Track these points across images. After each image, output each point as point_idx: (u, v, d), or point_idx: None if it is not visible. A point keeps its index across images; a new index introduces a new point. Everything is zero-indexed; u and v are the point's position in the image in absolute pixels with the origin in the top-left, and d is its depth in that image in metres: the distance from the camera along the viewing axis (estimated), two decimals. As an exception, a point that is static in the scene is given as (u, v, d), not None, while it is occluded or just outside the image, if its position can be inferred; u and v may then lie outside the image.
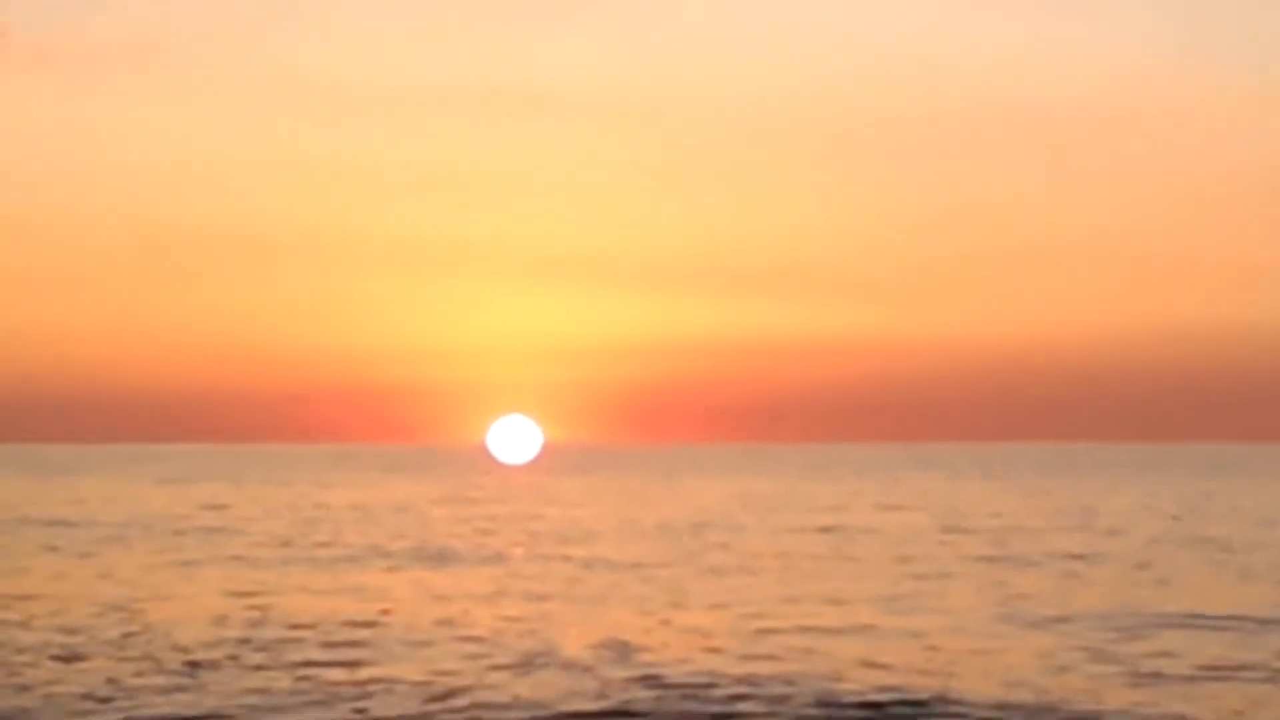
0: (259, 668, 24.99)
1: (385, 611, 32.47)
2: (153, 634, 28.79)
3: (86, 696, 22.54)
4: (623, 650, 26.72)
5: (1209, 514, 72.18)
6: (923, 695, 22.51)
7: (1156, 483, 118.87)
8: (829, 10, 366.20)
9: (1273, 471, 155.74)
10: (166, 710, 21.60)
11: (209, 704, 21.99)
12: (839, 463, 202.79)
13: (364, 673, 24.52)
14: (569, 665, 25.15)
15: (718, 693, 22.77)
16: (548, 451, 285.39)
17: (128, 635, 28.64)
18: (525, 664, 25.35)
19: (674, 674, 24.22)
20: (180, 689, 23.09)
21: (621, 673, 24.41)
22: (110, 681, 23.68)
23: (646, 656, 26.07)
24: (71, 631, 29.14)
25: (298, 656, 26.06)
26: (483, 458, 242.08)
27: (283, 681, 23.71)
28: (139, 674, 24.36)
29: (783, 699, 22.37)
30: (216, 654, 26.29)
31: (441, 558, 46.93)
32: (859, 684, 23.50)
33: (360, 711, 21.57)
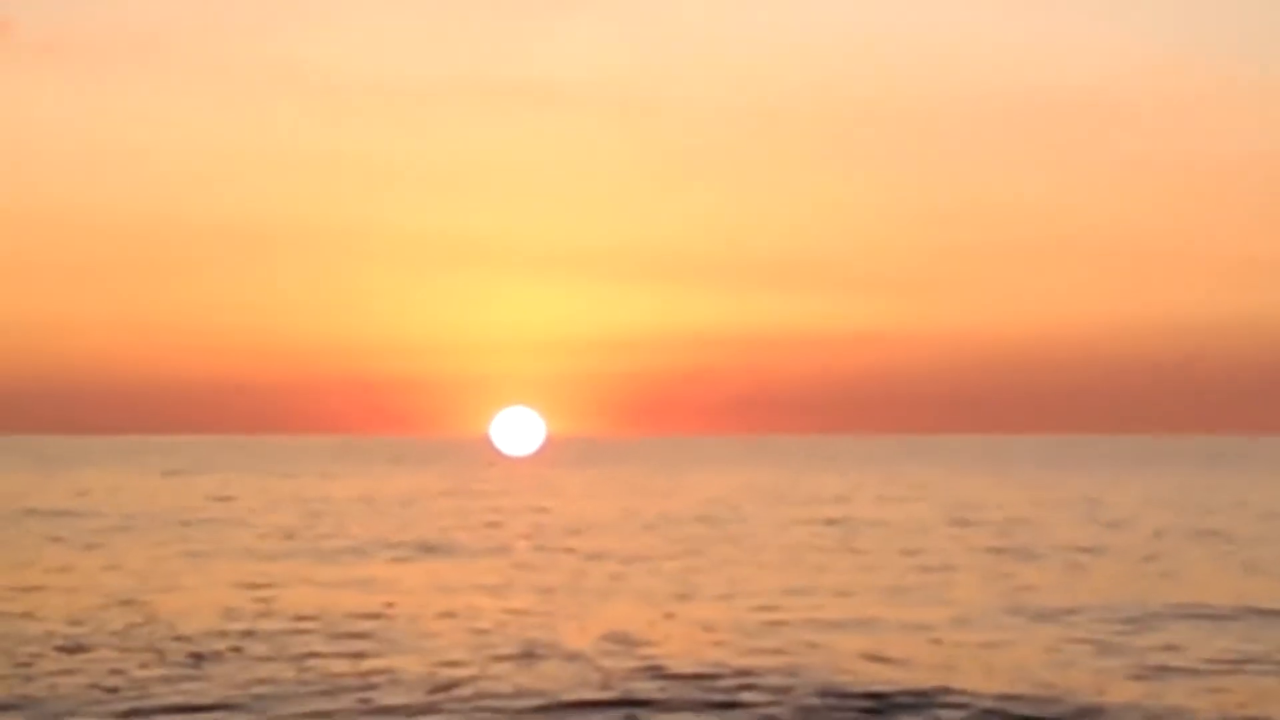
0: (263, 659, 25.00)
1: (389, 603, 32.48)
2: (158, 625, 28.80)
3: (92, 687, 22.56)
4: (626, 642, 26.74)
5: (1213, 506, 72.16)
6: (926, 688, 22.51)
7: (1160, 475, 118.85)
8: (831, 4, 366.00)
9: (1276, 463, 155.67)
10: (171, 701, 21.62)
11: (214, 695, 22.01)
12: (842, 454, 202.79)
13: (368, 664, 24.54)
14: (572, 657, 25.17)
15: (721, 684, 22.78)
16: (551, 443, 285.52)
17: (133, 626, 28.66)
18: (529, 655, 25.37)
19: (677, 665, 24.23)
20: (185, 680, 23.11)
21: (625, 664, 24.42)
22: (115, 672, 23.70)
23: (650, 648, 26.08)
24: (76, 623, 29.16)
25: (302, 648, 26.08)
26: (486, 449, 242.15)
27: (287, 673, 23.73)
28: (144, 665, 24.37)
29: (786, 690, 22.38)
30: (221, 645, 26.31)
31: (445, 550, 46.95)
32: (863, 676, 23.50)
33: (364, 702, 21.58)
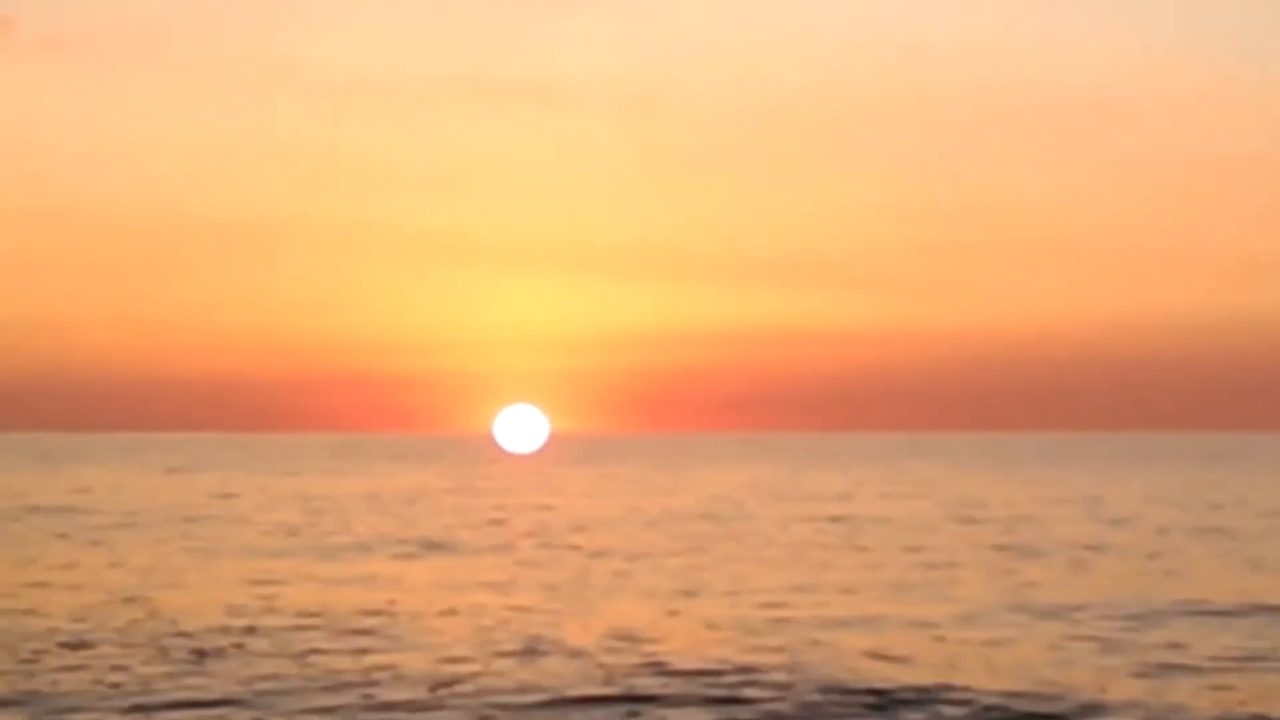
0: (266, 656, 25.01)
1: (392, 601, 32.49)
2: (161, 622, 28.82)
3: (95, 683, 22.57)
4: (629, 639, 26.74)
5: (1216, 503, 72.15)
6: (929, 685, 22.50)
7: (1162, 472, 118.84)
8: (832, 3, 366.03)
9: (1278, 461, 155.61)
10: (175, 697, 21.63)
11: (217, 691, 22.02)
12: (844, 452, 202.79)
13: (371, 660, 24.55)
14: (576, 653, 25.18)
15: (724, 680, 22.79)
16: (554, 441, 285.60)
17: (135, 623, 28.68)
18: (532, 652, 25.37)
19: (680, 662, 24.24)
20: (188, 677, 23.12)
21: (628, 660, 24.43)
22: (118, 669, 23.72)
23: (653, 645, 26.08)
24: (80, 619, 29.18)
25: (305, 645, 26.09)
26: (489, 447, 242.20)
27: (290, 669, 23.74)
28: (147, 662, 24.39)
29: (788, 686, 22.39)
30: (224, 642, 26.32)
31: (448, 547, 46.96)
32: (866, 673, 23.50)
33: (367, 698, 21.59)
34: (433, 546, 46.91)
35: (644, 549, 46.04)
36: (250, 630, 27.76)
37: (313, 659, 24.68)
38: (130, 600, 32.22)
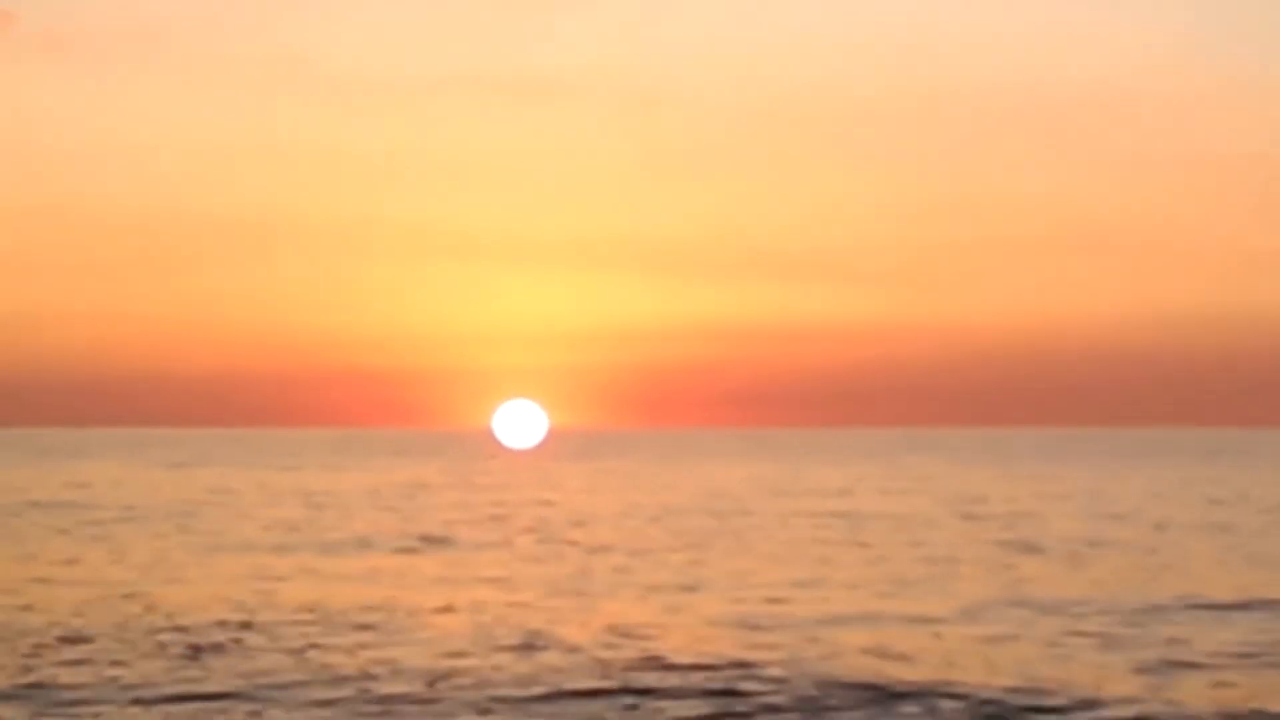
0: (265, 650, 25.01)
1: (391, 596, 32.48)
2: (159, 617, 28.81)
3: (95, 678, 22.58)
4: (628, 634, 26.74)
5: (1216, 499, 72.13)
6: (928, 680, 22.49)
7: (1162, 468, 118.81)
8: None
9: (1278, 457, 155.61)
10: (173, 691, 21.63)
11: (215, 685, 22.02)
12: (844, 448, 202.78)
13: (369, 655, 24.54)
14: (574, 648, 25.17)
15: (722, 674, 22.79)
16: (553, 436, 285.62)
17: (134, 618, 28.67)
18: (530, 646, 25.36)
19: (679, 656, 24.24)
20: (186, 671, 23.12)
21: (626, 655, 24.43)
22: (117, 663, 23.72)
23: (652, 640, 26.08)
24: (79, 614, 29.16)
25: (304, 640, 26.09)
26: (488, 442, 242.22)
27: (287, 664, 23.74)
28: (146, 656, 24.39)
29: (786, 681, 22.38)
30: (222, 637, 26.31)
31: (448, 543, 46.95)
32: (864, 668, 23.50)
33: (365, 692, 21.59)
34: (432, 542, 46.90)
35: (643, 544, 46.03)
36: (250, 625, 27.75)
37: (311, 654, 24.67)
38: (130, 595, 32.20)
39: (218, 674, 22.90)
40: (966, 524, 55.13)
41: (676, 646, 25.31)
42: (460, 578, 36.42)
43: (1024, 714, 20.60)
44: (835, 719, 20.41)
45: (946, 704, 21.03)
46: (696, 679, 22.48)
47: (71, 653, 24.69)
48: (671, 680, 22.40)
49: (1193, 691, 21.98)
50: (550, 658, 24.31)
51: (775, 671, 23.06)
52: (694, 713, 20.68)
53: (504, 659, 24.24)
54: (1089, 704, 21.06)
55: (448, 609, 30.26)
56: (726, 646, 25.40)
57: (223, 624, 27.81)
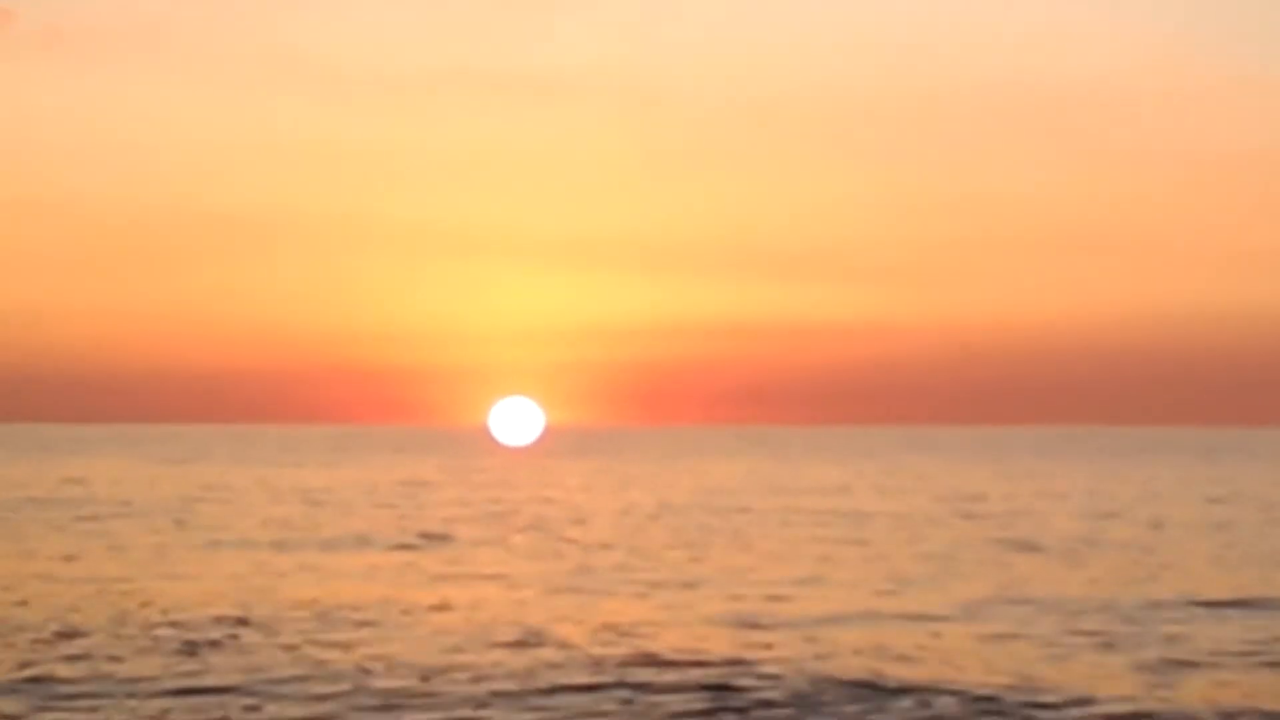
0: (261, 645, 25.02)
1: (388, 592, 32.47)
2: (155, 612, 28.79)
3: (90, 672, 22.57)
4: (624, 630, 26.74)
5: (1213, 498, 72.14)
6: (924, 678, 22.48)
7: (1159, 467, 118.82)
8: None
9: (1276, 455, 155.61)
10: (169, 685, 21.63)
11: (211, 680, 22.02)
12: (841, 446, 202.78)
13: (365, 650, 24.54)
14: (570, 644, 25.17)
15: (717, 670, 22.79)
16: (549, 433, 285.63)
17: (130, 613, 28.66)
18: (526, 643, 25.36)
19: (674, 653, 24.24)
20: (182, 666, 23.12)
21: (621, 651, 24.43)
22: (114, 659, 23.71)
23: (649, 636, 26.08)
24: (76, 609, 29.15)
25: (300, 635, 26.08)
26: (484, 439, 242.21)
27: (284, 659, 23.74)
28: (141, 652, 24.38)
29: (780, 678, 22.37)
30: (218, 633, 26.30)
31: (444, 540, 46.94)
32: (860, 665, 23.49)
33: (361, 687, 21.59)
34: (429, 539, 46.88)
35: (642, 542, 46.02)
36: (247, 621, 27.74)
37: (308, 649, 24.67)
38: (127, 591, 32.19)
39: (215, 669, 22.90)
40: (965, 522, 55.12)
41: (673, 643, 25.31)
42: (458, 575, 36.40)
43: (1021, 711, 20.58)
44: (831, 715, 20.40)
45: (943, 701, 21.02)
46: (693, 675, 22.48)
47: (69, 648, 24.68)
48: (668, 676, 22.41)
49: (1191, 690, 21.98)
50: (547, 654, 24.31)
51: (772, 668, 23.07)
52: (689, 708, 20.69)
53: (501, 655, 24.23)
54: (1086, 702, 21.05)
55: (445, 606, 30.25)
56: (724, 643, 25.40)
57: (220, 620, 27.80)
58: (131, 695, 21.04)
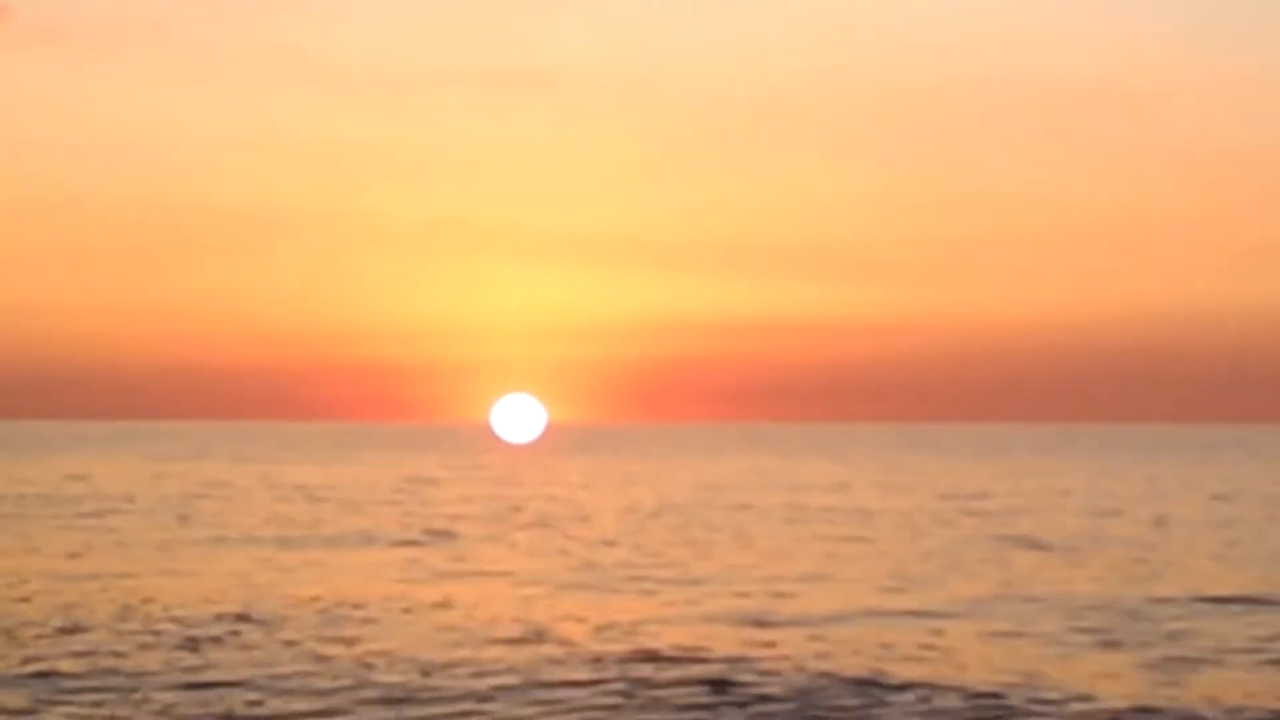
0: (263, 642, 25.02)
1: (389, 589, 32.48)
2: (156, 608, 28.80)
3: (93, 667, 22.58)
4: (627, 627, 26.75)
5: (1217, 495, 72.12)
6: (925, 675, 22.48)
7: (1162, 464, 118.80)
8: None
9: (1278, 452, 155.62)
10: (170, 680, 21.63)
11: (213, 676, 22.02)
12: (842, 443, 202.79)
13: (368, 646, 24.55)
14: (572, 641, 25.17)
15: (718, 666, 22.78)
16: (551, 430, 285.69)
17: (131, 609, 28.66)
18: (527, 639, 25.36)
19: (675, 649, 24.23)
20: (184, 661, 23.13)
21: (622, 647, 24.43)
22: (117, 654, 23.72)
23: (650, 633, 26.08)
24: (78, 605, 29.17)
25: (303, 632, 26.09)
26: (486, 436, 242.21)
27: (283, 655, 23.75)
28: (144, 647, 24.38)
29: (781, 673, 22.37)
30: (219, 629, 26.30)
31: (446, 536, 46.95)
32: (860, 662, 23.49)
33: (363, 682, 21.60)
34: (431, 536, 46.89)
35: (643, 539, 46.02)
36: (249, 617, 27.74)
37: (310, 645, 24.68)
38: (130, 587, 32.20)
39: (218, 664, 22.91)
40: (967, 519, 55.11)
41: (676, 640, 25.31)
42: (462, 572, 36.41)
43: (1023, 708, 20.57)
44: (831, 710, 20.39)
45: (943, 697, 21.01)
46: (695, 670, 22.48)
47: (72, 643, 24.70)
48: (669, 672, 22.40)
49: (1195, 687, 21.97)
50: (549, 650, 24.32)
51: (773, 665, 23.06)
52: (691, 701, 20.70)
53: (502, 651, 24.24)
54: (1089, 699, 21.03)
55: (448, 602, 30.26)
56: (726, 640, 25.40)
57: (222, 616, 27.80)
58: (135, 690, 21.06)
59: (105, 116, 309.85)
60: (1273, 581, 34.97)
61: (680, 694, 21.05)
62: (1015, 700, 20.81)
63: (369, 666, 22.77)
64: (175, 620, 27.23)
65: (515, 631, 26.21)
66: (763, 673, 22.41)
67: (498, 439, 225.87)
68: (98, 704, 20.35)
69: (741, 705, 20.62)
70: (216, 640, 25.14)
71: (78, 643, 24.75)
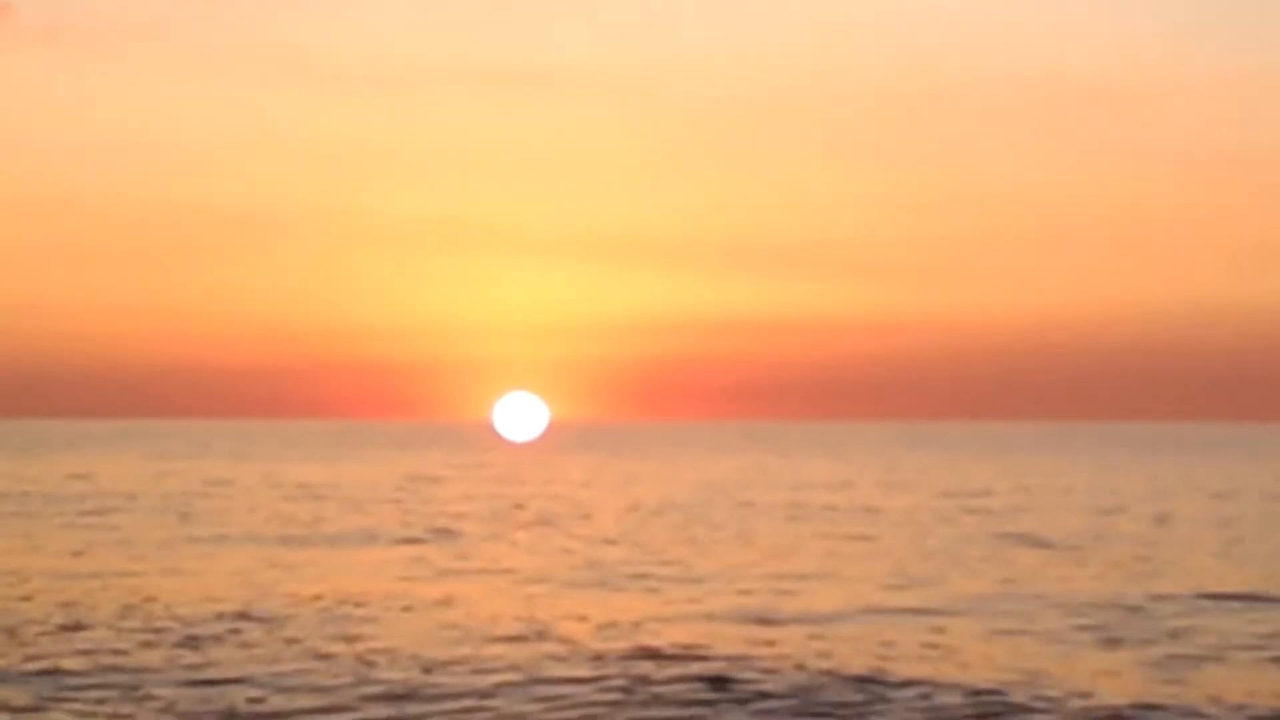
0: (264, 639, 25.03)
1: (393, 587, 32.49)
2: (157, 607, 28.81)
3: (95, 665, 22.60)
4: (626, 625, 26.76)
5: (1219, 493, 72.12)
6: (926, 674, 22.48)
7: (1164, 462, 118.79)
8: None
9: (1278, 451, 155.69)
10: (173, 677, 21.65)
11: (214, 673, 22.04)
12: (844, 441, 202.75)
13: (369, 644, 24.56)
14: (573, 639, 25.18)
15: (717, 664, 22.79)
16: (553, 428, 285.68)
17: (132, 608, 28.68)
18: (527, 637, 25.38)
19: (676, 647, 24.23)
20: (184, 659, 23.14)
21: (622, 645, 24.44)
22: (118, 651, 23.74)
23: (651, 631, 26.09)
24: (79, 603, 29.19)
25: (301, 630, 26.10)
26: (488, 434, 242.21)
27: (285, 652, 23.77)
28: (145, 645, 24.40)
29: (781, 671, 22.38)
30: (220, 627, 26.31)
31: (447, 535, 46.95)
32: (860, 660, 23.49)
33: (364, 679, 21.61)
34: (432, 534, 46.91)
35: (645, 537, 46.03)
36: (250, 615, 27.76)
37: (312, 642, 24.69)
38: (132, 585, 32.22)
39: (219, 662, 22.93)
40: (969, 517, 55.11)
41: (677, 637, 25.31)
42: (463, 570, 36.42)
43: (1024, 705, 20.57)
44: (830, 708, 20.40)
45: (945, 695, 21.02)
46: (695, 668, 22.48)
47: (75, 641, 24.72)
48: (669, 669, 22.41)
49: (1198, 684, 21.97)
50: (550, 647, 24.33)
51: (773, 662, 23.07)
52: (691, 698, 20.71)
53: (504, 648, 24.25)
54: (1090, 696, 21.04)
55: (449, 600, 30.27)
56: (727, 638, 25.41)
57: (223, 614, 27.82)
58: (137, 687, 21.08)
59: (105, 116, 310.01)
60: (1274, 579, 34.97)
61: (681, 691, 21.07)
62: (1017, 698, 20.81)
63: (370, 664, 22.79)
64: (177, 618, 27.25)
65: (517, 629, 26.23)
66: (764, 670, 22.42)
67: (499, 437, 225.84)
68: (101, 701, 20.38)
69: (742, 702, 20.64)
70: (218, 638, 25.16)
71: (80, 640, 24.77)
